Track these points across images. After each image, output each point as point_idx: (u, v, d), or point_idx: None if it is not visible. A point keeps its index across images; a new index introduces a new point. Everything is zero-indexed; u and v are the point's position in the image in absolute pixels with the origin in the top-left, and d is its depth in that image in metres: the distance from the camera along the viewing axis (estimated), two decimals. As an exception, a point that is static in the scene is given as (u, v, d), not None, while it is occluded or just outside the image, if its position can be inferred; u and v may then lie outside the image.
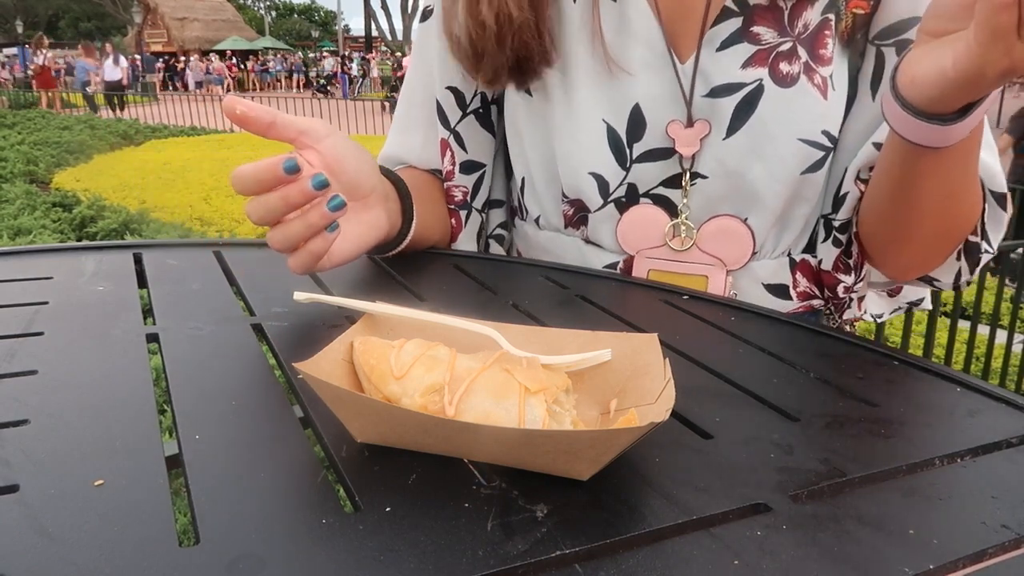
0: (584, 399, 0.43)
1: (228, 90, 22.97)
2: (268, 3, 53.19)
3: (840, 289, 0.76)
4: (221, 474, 0.36)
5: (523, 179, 0.83)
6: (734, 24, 0.70)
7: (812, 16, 0.69)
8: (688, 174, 0.73)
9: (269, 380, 0.47)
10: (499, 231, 0.89)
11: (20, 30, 36.83)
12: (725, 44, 0.71)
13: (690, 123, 0.72)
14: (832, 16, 0.70)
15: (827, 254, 0.76)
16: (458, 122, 0.82)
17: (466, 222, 0.85)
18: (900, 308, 0.86)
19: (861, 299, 0.81)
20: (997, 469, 0.40)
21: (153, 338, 0.52)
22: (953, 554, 0.33)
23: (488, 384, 0.38)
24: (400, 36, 32.22)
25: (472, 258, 0.77)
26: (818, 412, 0.45)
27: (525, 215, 0.85)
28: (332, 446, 0.39)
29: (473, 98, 0.82)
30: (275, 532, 0.32)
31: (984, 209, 0.70)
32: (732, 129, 0.71)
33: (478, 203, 0.85)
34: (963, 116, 0.56)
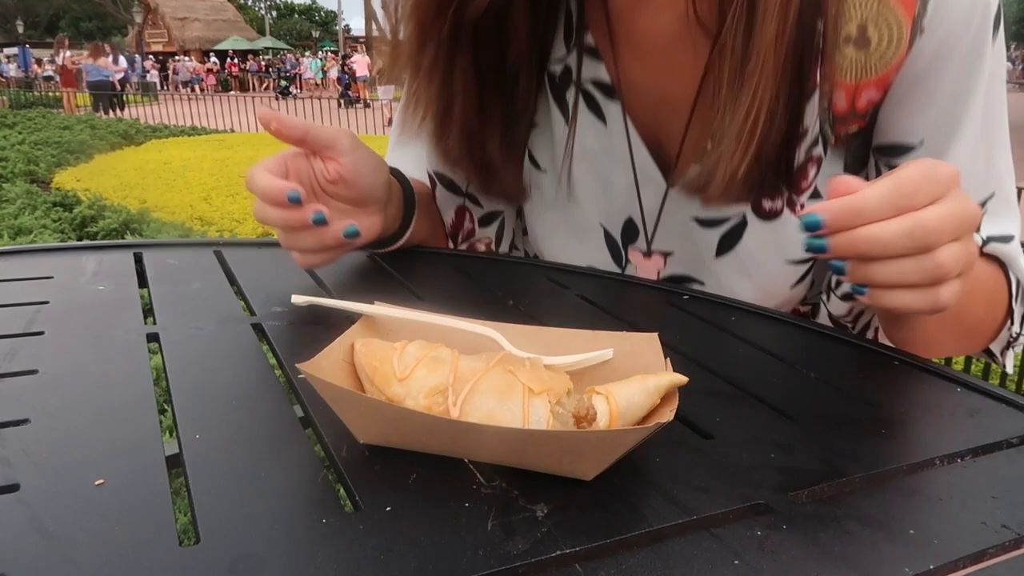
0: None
1: (203, 90, 23.13)
2: (269, 3, 53.18)
3: (849, 327, 0.75)
4: (221, 474, 0.36)
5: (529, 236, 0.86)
6: None
7: (797, 156, 0.66)
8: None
9: (269, 380, 0.47)
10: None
11: (21, 30, 36.82)
12: None
13: (648, 255, 0.75)
14: (819, 150, 0.67)
15: (838, 308, 0.73)
16: (468, 185, 0.83)
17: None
18: None
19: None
20: (997, 469, 0.40)
21: (153, 338, 0.52)
22: (953, 554, 0.33)
23: (492, 385, 0.38)
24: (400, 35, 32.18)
25: (472, 258, 0.77)
26: (818, 412, 0.45)
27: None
28: (332, 446, 0.39)
29: None
30: (275, 532, 0.32)
31: (1012, 306, 0.66)
32: (721, 251, 0.71)
33: (504, 247, 0.87)
34: None
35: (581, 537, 0.32)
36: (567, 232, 0.78)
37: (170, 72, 25.83)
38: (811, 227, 0.46)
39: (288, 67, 27.51)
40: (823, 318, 0.77)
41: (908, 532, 0.34)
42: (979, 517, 0.36)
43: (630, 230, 0.75)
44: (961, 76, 0.61)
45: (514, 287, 0.69)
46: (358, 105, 15.78)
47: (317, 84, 25.20)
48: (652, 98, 0.71)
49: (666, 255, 0.75)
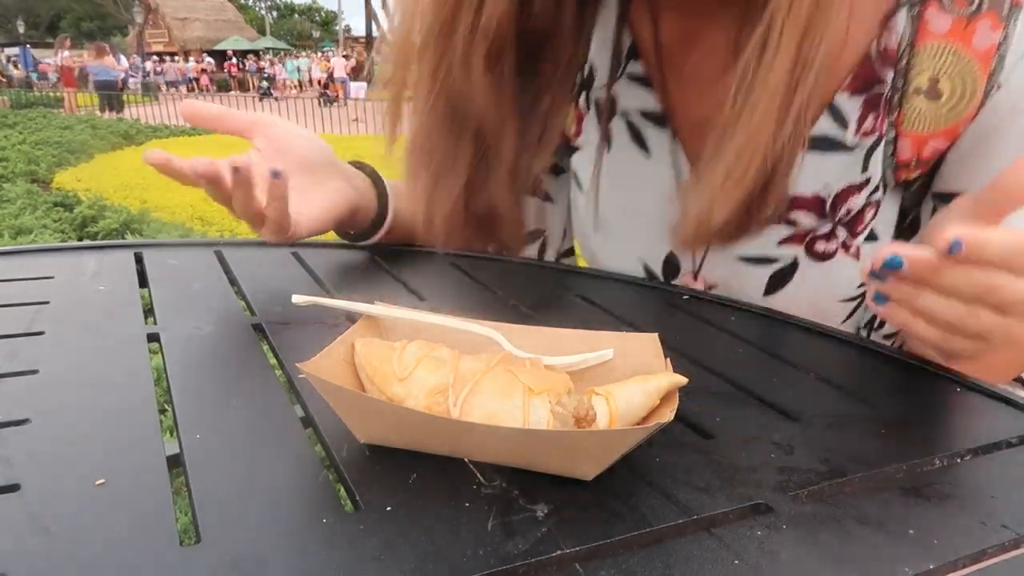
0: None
1: (191, 90, 23.29)
2: (269, 3, 53.19)
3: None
4: (222, 474, 0.36)
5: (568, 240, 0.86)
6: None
7: (857, 202, 0.66)
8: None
9: (269, 380, 0.47)
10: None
11: (22, 30, 36.85)
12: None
13: (696, 278, 0.73)
14: (878, 195, 0.66)
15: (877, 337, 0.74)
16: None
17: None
18: None
19: None
20: (997, 469, 0.40)
21: (154, 338, 0.52)
22: (953, 554, 0.33)
23: (492, 385, 0.38)
24: (401, 36, 32.18)
25: (472, 258, 0.77)
26: (818, 412, 0.45)
27: None
28: (332, 446, 0.39)
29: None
30: (276, 531, 0.32)
31: None
32: (770, 291, 0.70)
33: (552, 257, 0.87)
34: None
35: (581, 537, 0.32)
36: (606, 259, 0.78)
37: (152, 72, 25.86)
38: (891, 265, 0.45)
39: (255, 68, 27.54)
40: None
41: (908, 532, 0.34)
42: (979, 517, 0.36)
43: (671, 266, 0.74)
44: None
45: (514, 287, 0.69)
46: (336, 103, 16.04)
47: (295, 85, 25.24)
48: (699, 129, 0.69)
49: (710, 288, 0.74)
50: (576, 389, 0.39)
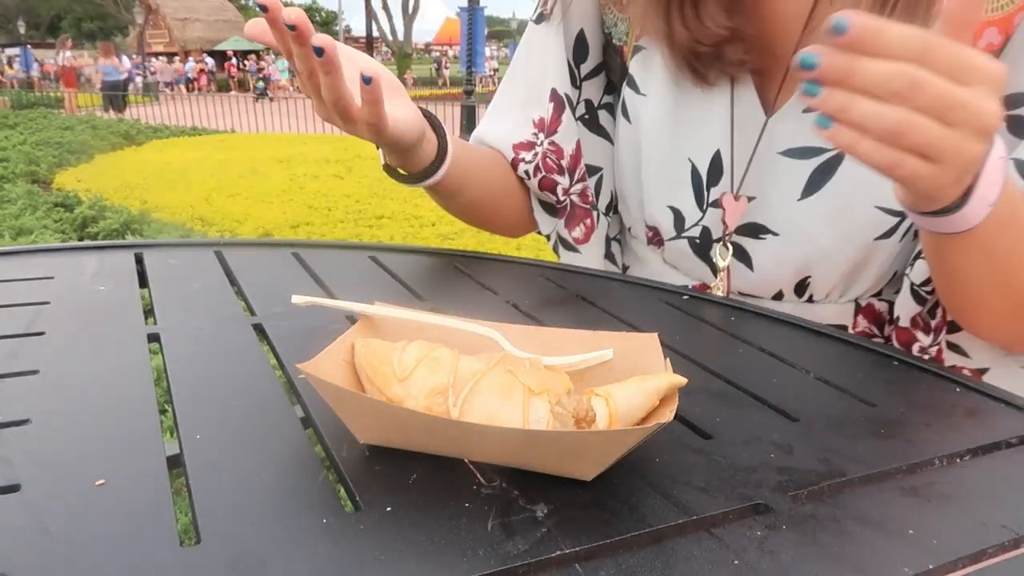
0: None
1: (191, 90, 23.32)
2: (269, 3, 53.07)
3: (915, 348, 0.72)
4: (222, 474, 0.36)
5: (616, 193, 0.86)
6: None
7: None
8: (730, 240, 0.74)
9: (270, 380, 0.47)
10: (619, 237, 0.91)
11: (22, 30, 36.86)
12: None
13: (737, 197, 0.72)
14: None
15: (905, 310, 0.70)
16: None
17: (595, 222, 0.86)
18: None
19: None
20: (997, 469, 0.40)
21: (154, 338, 0.52)
22: (953, 554, 0.33)
23: (492, 385, 0.38)
24: (400, 36, 32.22)
25: (472, 258, 0.77)
26: (818, 412, 0.45)
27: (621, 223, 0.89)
28: (333, 446, 0.39)
29: (577, 104, 0.84)
30: (276, 532, 0.32)
31: None
32: (808, 191, 0.69)
33: (602, 206, 0.87)
34: (961, 205, 0.51)
35: (581, 537, 0.32)
36: (656, 168, 0.77)
37: (146, 73, 25.89)
38: (838, 30, 0.43)
39: (255, 68, 27.56)
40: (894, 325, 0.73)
41: (908, 532, 0.34)
42: (979, 517, 0.36)
43: (716, 168, 0.74)
44: None
45: (514, 287, 0.69)
46: None
47: (287, 85, 25.28)
48: (765, 17, 0.70)
49: (748, 199, 0.73)
50: (576, 389, 0.39)
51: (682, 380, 0.39)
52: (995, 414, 0.47)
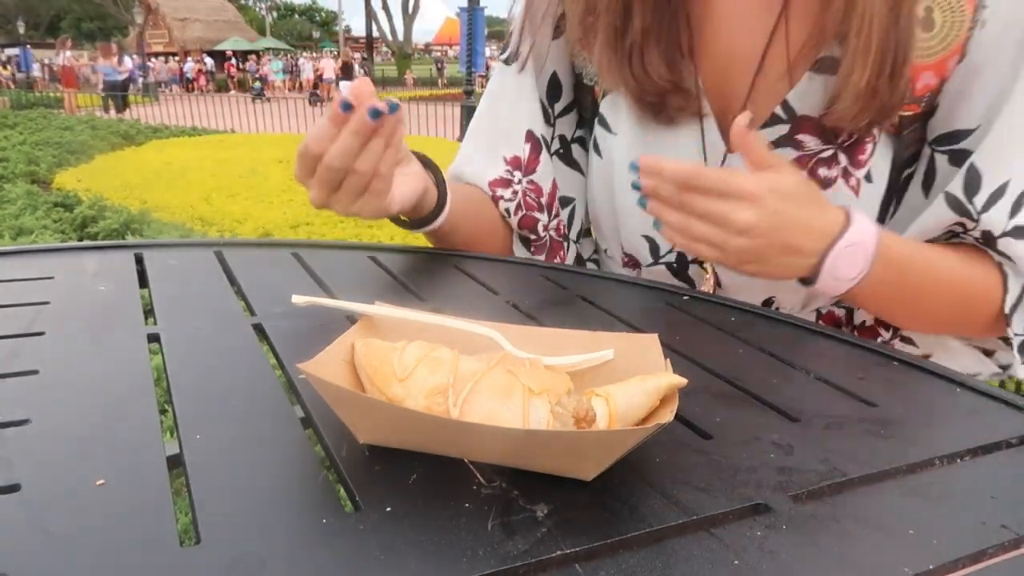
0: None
1: (190, 90, 23.43)
2: (269, 3, 53.20)
3: (878, 343, 0.75)
4: (222, 474, 0.36)
5: (589, 220, 0.89)
6: (781, 130, 0.71)
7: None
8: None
9: (269, 380, 0.47)
10: (595, 256, 0.93)
11: (22, 30, 36.85)
12: (771, 147, 0.71)
13: None
14: (876, 128, 0.69)
15: (866, 315, 0.77)
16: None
17: (567, 253, 0.89)
18: (997, 373, 0.80)
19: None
20: (997, 469, 0.40)
21: (154, 338, 0.52)
22: (953, 554, 0.33)
23: (492, 385, 0.38)
24: (400, 36, 32.21)
25: (472, 258, 0.77)
26: (818, 412, 0.45)
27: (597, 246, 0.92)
28: (332, 446, 0.39)
29: (552, 140, 0.86)
30: (276, 532, 0.32)
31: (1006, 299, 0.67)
32: None
33: (573, 234, 0.89)
34: (812, 281, 0.63)
35: (581, 537, 0.32)
36: (629, 203, 0.79)
37: (147, 73, 25.94)
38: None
39: (253, 68, 27.58)
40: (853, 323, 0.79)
41: (908, 532, 0.34)
42: (979, 517, 0.36)
43: None
44: (1016, 60, 0.64)
45: (514, 287, 0.69)
46: (325, 103, 16.36)
47: (281, 85, 25.32)
48: (720, 62, 0.73)
49: None
50: (576, 390, 0.39)
51: (682, 380, 0.39)
52: (995, 414, 0.47)
